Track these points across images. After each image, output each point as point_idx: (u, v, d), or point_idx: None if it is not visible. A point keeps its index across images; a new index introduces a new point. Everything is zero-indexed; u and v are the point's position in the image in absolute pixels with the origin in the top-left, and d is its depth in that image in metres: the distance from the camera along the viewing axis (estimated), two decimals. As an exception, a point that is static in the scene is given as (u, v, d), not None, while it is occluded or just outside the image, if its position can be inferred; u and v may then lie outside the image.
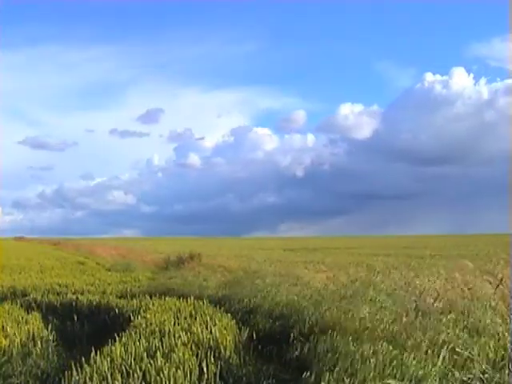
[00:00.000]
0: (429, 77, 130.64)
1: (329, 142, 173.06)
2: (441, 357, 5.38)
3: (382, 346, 5.86)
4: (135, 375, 5.64)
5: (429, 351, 5.67)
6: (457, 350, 5.51)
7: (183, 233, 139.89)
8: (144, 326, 7.98)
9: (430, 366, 5.19)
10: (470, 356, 5.28)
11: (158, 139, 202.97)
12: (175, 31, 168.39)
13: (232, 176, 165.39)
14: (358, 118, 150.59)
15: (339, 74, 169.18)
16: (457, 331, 6.30)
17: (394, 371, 5.19)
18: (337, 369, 5.49)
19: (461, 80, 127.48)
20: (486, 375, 4.86)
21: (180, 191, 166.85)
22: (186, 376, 5.74)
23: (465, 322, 6.79)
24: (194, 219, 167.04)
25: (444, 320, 6.83)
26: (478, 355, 5.26)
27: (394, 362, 5.35)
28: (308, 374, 5.68)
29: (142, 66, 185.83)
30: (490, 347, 5.61)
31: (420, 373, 5.06)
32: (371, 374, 5.13)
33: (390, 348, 5.76)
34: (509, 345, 5.63)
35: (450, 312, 7.29)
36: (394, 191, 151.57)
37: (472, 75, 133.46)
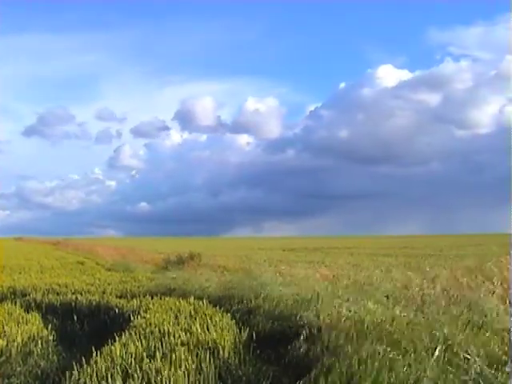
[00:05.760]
0: (385, 70, 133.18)
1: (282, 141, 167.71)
2: (435, 356, 5.37)
3: (379, 347, 5.85)
4: (135, 375, 5.65)
5: (423, 352, 5.65)
6: (454, 349, 5.50)
7: (158, 233, 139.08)
8: (144, 326, 7.98)
9: (425, 368, 5.18)
10: (467, 355, 5.26)
11: (111, 137, 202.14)
12: (165, 21, 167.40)
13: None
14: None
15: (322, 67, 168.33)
16: (457, 328, 6.28)
17: (389, 374, 5.19)
18: (333, 372, 5.49)
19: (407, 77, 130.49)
20: (484, 376, 4.84)
21: (144, 191, 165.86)
22: (185, 376, 5.75)
23: (467, 319, 6.77)
24: (168, 219, 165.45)
25: (444, 318, 6.81)
26: (478, 354, 5.24)
27: (390, 364, 5.36)
28: (305, 379, 5.68)
29: (126, 56, 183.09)
30: (493, 343, 5.61)
31: (413, 376, 5.05)
32: (368, 378, 5.14)
33: (388, 350, 5.75)
34: (509, 344, 5.64)
35: (452, 309, 7.28)
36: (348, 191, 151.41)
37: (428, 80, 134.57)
